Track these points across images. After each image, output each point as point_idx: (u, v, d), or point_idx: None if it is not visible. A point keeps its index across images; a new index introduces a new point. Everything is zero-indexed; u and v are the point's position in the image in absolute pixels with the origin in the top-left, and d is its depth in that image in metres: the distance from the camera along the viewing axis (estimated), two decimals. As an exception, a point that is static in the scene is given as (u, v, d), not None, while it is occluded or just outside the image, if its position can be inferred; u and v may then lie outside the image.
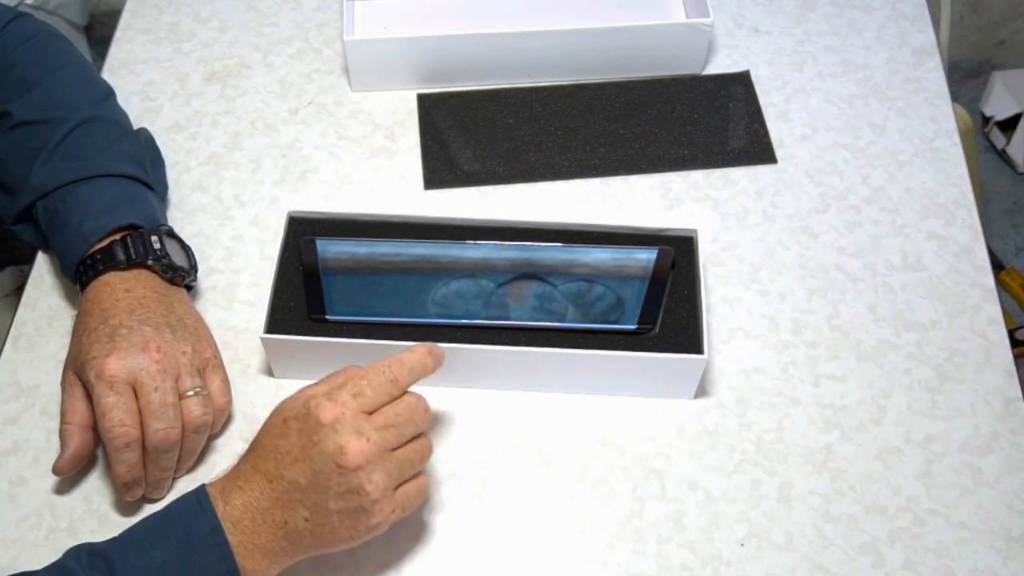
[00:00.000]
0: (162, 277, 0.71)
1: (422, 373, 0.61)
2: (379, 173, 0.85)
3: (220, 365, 0.70)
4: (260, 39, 0.94)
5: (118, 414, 0.62)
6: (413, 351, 0.61)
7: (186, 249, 0.74)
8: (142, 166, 0.76)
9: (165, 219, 0.76)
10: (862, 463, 0.69)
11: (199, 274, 0.77)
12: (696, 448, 0.70)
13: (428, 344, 0.62)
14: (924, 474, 0.69)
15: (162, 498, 0.66)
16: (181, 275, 0.72)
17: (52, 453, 0.69)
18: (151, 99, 0.90)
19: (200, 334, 0.69)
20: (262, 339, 0.69)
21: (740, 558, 0.65)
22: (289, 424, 0.57)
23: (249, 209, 0.82)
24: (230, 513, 0.57)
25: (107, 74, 0.91)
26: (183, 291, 0.73)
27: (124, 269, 0.69)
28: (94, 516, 0.67)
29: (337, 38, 0.94)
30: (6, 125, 0.74)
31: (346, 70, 0.91)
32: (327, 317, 0.71)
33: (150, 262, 0.69)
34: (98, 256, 0.69)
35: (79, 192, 0.71)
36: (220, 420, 0.69)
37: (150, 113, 0.88)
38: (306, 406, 0.57)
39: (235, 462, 0.60)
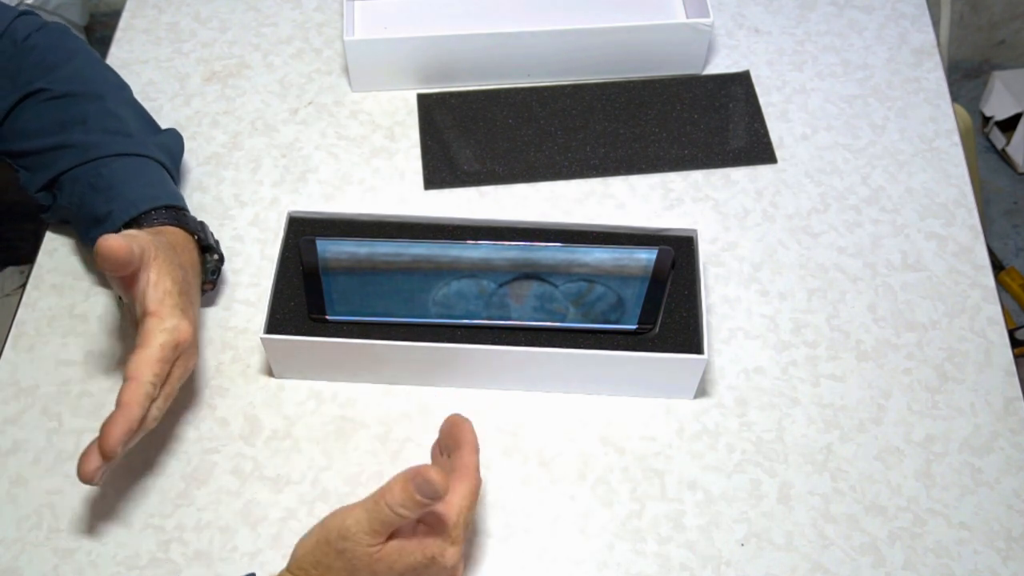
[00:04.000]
0: (205, 275, 0.73)
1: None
2: (379, 173, 0.85)
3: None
4: (260, 39, 0.94)
5: (165, 369, 0.62)
6: (476, 447, 0.60)
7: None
8: (175, 165, 0.79)
9: None
10: (862, 463, 0.69)
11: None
12: (696, 448, 0.70)
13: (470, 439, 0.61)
14: (924, 474, 0.69)
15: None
16: (211, 283, 0.75)
17: (52, 453, 0.69)
18: (151, 99, 0.90)
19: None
20: (262, 339, 0.69)
21: (740, 558, 0.65)
22: (407, 574, 0.56)
23: (249, 209, 0.82)
24: None
25: (107, 74, 0.91)
26: None
27: (190, 233, 0.71)
28: (94, 516, 0.67)
29: (337, 38, 0.94)
30: (40, 99, 0.75)
31: (346, 70, 0.91)
32: (327, 317, 0.71)
33: (216, 257, 0.73)
34: (172, 211, 0.71)
35: (128, 163, 0.72)
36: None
37: (150, 113, 0.88)
38: (429, 556, 0.56)
39: None
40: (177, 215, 0.71)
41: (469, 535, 0.64)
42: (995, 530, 0.67)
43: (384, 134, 0.87)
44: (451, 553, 0.56)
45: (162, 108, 0.89)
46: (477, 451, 0.60)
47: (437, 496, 0.53)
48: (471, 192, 0.84)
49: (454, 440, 0.60)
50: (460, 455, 0.59)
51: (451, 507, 0.57)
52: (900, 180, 0.85)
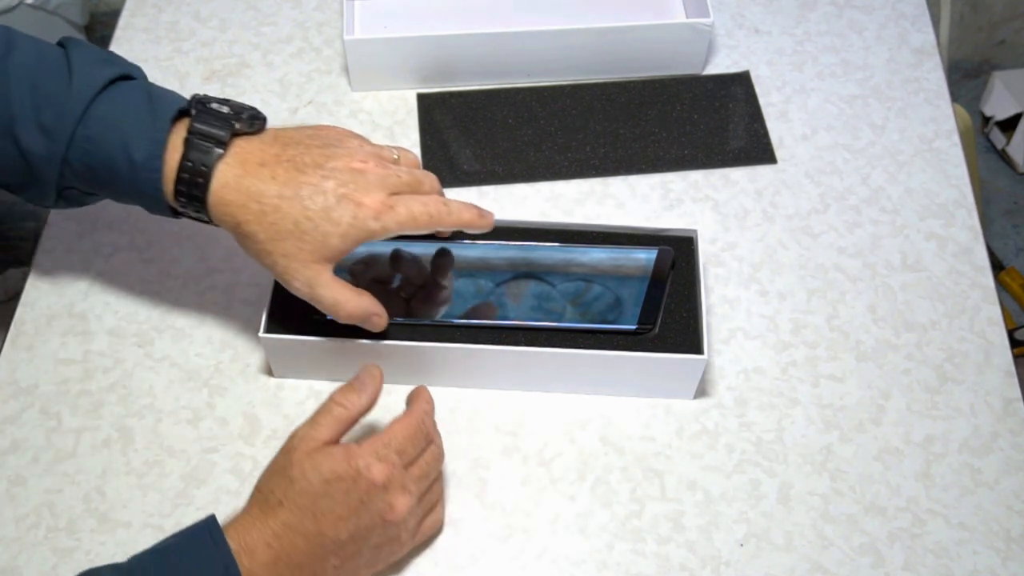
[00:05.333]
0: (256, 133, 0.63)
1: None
2: (379, 173, 0.85)
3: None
4: (260, 38, 0.94)
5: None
6: (428, 401, 0.63)
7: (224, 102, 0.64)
8: (111, 61, 0.64)
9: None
10: (862, 463, 0.69)
11: (198, 273, 0.77)
12: (696, 448, 0.70)
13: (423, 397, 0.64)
14: (924, 474, 0.69)
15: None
16: (262, 120, 0.64)
17: (51, 452, 0.69)
18: (151, 98, 0.89)
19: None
20: (262, 338, 0.69)
21: (740, 558, 0.65)
22: (333, 485, 0.56)
23: (249, 208, 0.82)
24: (255, 571, 0.56)
25: (107, 73, 0.91)
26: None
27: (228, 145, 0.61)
28: (93, 515, 0.67)
29: (337, 37, 0.94)
30: None
31: (346, 69, 0.91)
32: (327, 316, 0.70)
33: (238, 126, 0.61)
34: (189, 152, 0.60)
35: (115, 93, 0.61)
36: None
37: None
38: (355, 468, 0.57)
39: (249, 509, 0.58)
40: (192, 130, 0.60)
41: (436, 496, 0.64)
42: (994, 531, 0.67)
43: (384, 134, 0.87)
44: (378, 469, 0.57)
45: (162, 107, 0.89)
46: (427, 402, 0.63)
47: (372, 378, 0.60)
48: (471, 192, 0.84)
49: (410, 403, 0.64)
50: (411, 406, 0.63)
51: (387, 432, 0.60)
52: (900, 180, 0.85)
